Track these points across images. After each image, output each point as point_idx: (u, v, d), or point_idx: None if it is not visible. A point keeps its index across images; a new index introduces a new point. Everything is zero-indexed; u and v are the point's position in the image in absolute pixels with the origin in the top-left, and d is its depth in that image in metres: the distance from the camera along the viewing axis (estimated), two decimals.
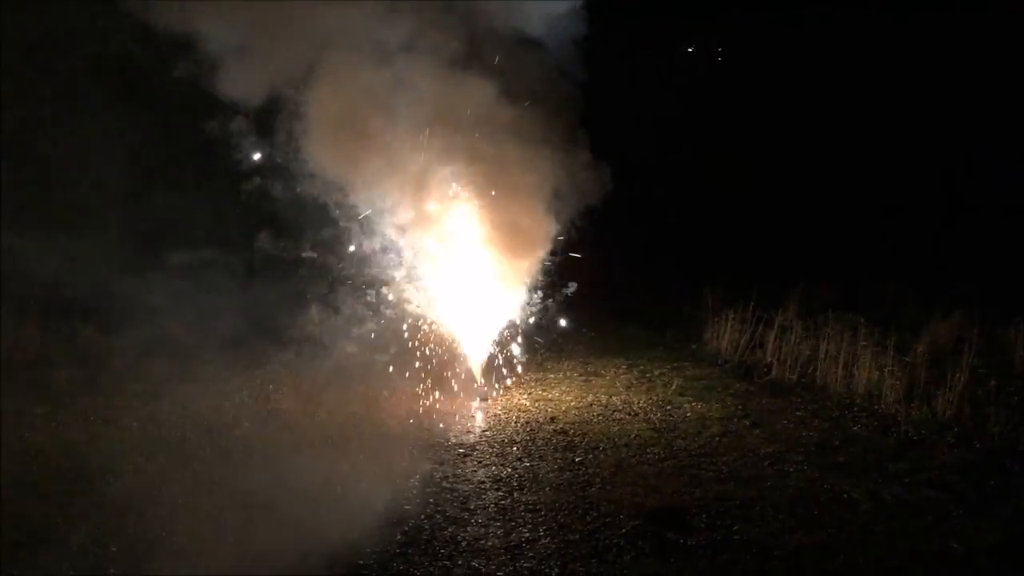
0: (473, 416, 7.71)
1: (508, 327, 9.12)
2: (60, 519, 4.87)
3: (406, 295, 8.70)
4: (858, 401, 7.95)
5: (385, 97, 8.08)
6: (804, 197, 14.74)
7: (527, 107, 8.33)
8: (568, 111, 8.59)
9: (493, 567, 4.44)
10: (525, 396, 8.42)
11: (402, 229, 8.52)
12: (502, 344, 9.19)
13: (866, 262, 13.59)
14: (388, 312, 8.74)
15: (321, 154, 8.11)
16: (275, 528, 4.81)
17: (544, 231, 8.74)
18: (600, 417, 7.59)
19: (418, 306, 8.75)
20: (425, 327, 8.82)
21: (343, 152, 8.10)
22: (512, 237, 8.60)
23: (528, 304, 9.09)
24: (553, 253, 9.02)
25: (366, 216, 8.47)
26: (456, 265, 8.63)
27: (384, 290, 8.70)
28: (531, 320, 9.27)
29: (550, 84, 8.49)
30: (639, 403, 8.07)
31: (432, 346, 8.84)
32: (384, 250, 8.59)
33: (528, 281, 8.90)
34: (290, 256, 9.22)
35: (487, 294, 8.69)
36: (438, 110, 8.19)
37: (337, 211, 8.47)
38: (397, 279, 8.67)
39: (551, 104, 8.46)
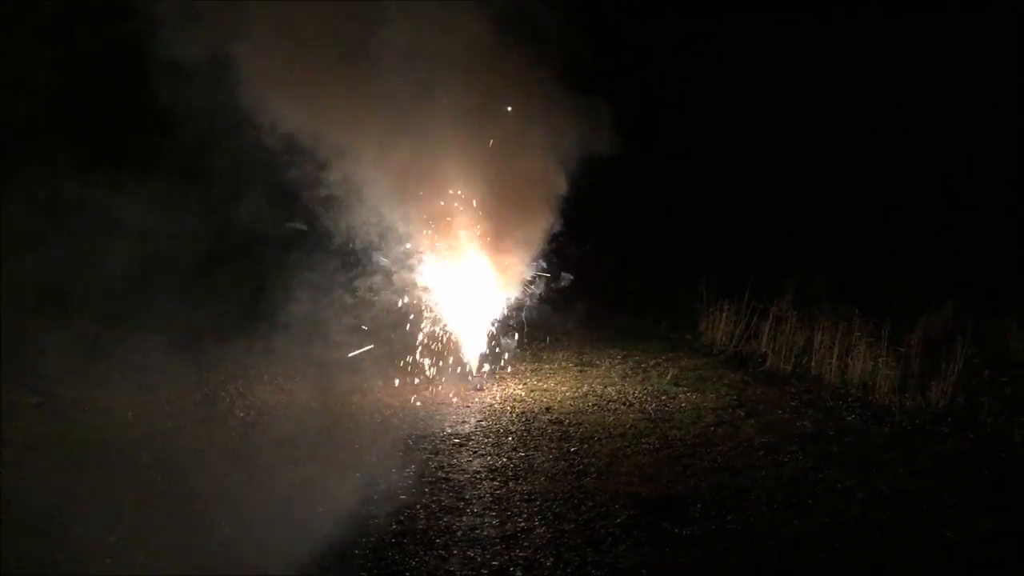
0: (468, 406, 7.71)
1: (504, 316, 9.11)
2: (54, 511, 4.86)
3: (399, 279, 8.66)
4: (852, 391, 7.98)
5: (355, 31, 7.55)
6: (799, 188, 14.75)
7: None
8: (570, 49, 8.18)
9: (488, 557, 4.45)
10: (520, 386, 8.42)
11: (390, 204, 8.39)
12: (498, 334, 9.18)
13: (861, 253, 13.63)
14: (381, 298, 8.69)
15: (283, 106, 7.58)
16: (270, 519, 4.81)
17: (546, 199, 8.57)
18: (595, 407, 7.59)
19: (414, 288, 8.72)
20: (420, 315, 8.80)
21: (308, 104, 7.63)
22: (511, 210, 8.45)
23: (524, 293, 9.07)
24: (552, 247, 8.98)
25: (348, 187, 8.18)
26: (451, 247, 8.58)
27: (376, 278, 8.65)
28: (526, 310, 9.25)
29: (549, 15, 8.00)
30: (634, 393, 8.07)
31: (427, 334, 8.83)
32: (373, 229, 8.49)
33: (525, 268, 8.86)
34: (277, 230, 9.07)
35: (483, 282, 8.66)
36: (421, 47, 7.69)
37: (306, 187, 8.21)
38: (388, 262, 8.61)
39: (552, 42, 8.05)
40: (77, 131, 9.21)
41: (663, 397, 7.94)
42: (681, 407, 7.60)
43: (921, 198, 14.34)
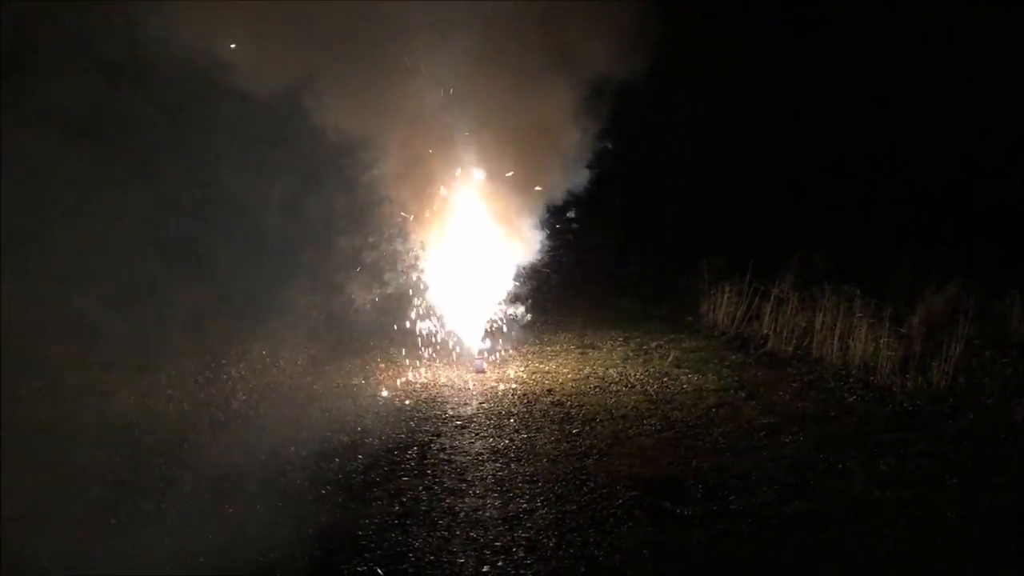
0: (470, 388, 7.72)
1: (506, 299, 9.10)
2: (58, 494, 4.87)
3: (401, 261, 8.65)
4: (854, 372, 7.98)
5: None
6: (800, 169, 14.72)
7: None
8: None
9: (491, 537, 4.47)
10: (522, 368, 8.43)
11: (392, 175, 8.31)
12: (500, 316, 9.18)
13: (862, 234, 13.61)
14: (384, 280, 8.68)
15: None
16: (272, 501, 4.84)
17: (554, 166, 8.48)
18: (597, 389, 7.60)
19: (416, 272, 8.71)
20: (421, 298, 8.81)
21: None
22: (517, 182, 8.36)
23: (525, 276, 9.06)
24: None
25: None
26: (453, 228, 8.55)
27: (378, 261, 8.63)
28: (526, 293, 9.24)
29: None
30: (636, 375, 8.09)
31: (428, 316, 8.84)
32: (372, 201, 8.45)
33: (527, 247, 8.83)
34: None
35: (485, 263, 8.65)
36: None
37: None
38: (391, 243, 8.60)
39: None
40: None
41: (665, 379, 7.95)
42: (683, 389, 7.61)
43: (922, 179, 14.30)
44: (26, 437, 5.78)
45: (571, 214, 9.02)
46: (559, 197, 8.89)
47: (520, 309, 9.28)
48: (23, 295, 8.43)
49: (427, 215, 8.58)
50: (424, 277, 8.72)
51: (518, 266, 8.98)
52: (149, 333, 8.34)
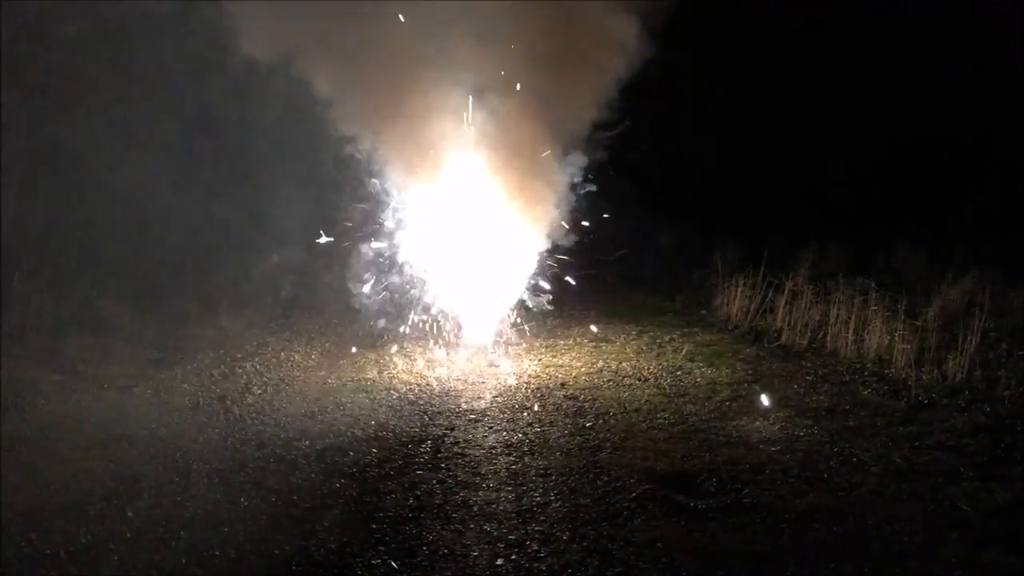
0: (483, 382, 7.73)
1: (519, 291, 9.09)
2: (75, 486, 4.92)
3: (411, 254, 8.67)
4: (868, 365, 7.95)
5: None
6: (814, 160, 14.64)
7: None
8: None
9: (505, 531, 4.48)
10: (535, 362, 8.43)
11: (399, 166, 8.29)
12: (513, 310, 9.18)
13: (877, 226, 13.53)
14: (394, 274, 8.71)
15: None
16: (287, 494, 4.87)
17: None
18: (610, 383, 7.60)
19: (425, 268, 8.73)
20: (433, 291, 8.83)
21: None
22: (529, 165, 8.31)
23: (538, 266, 9.05)
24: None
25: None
26: (464, 218, 8.54)
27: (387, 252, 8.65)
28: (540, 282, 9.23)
29: None
30: (649, 368, 8.08)
31: (441, 311, 8.87)
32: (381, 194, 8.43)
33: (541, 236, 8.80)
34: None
35: (497, 256, 8.64)
36: None
37: None
38: (399, 236, 8.61)
39: None
40: None
41: (678, 372, 7.94)
42: (696, 382, 7.60)
43: (935, 164, 14.21)
44: (44, 430, 5.84)
45: (585, 185, 8.92)
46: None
47: (535, 302, 9.27)
48: (40, 289, 8.52)
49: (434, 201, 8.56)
50: (435, 269, 8.74)
51: (533, 256, 8.94)
52: (165, 327, 8.40)
